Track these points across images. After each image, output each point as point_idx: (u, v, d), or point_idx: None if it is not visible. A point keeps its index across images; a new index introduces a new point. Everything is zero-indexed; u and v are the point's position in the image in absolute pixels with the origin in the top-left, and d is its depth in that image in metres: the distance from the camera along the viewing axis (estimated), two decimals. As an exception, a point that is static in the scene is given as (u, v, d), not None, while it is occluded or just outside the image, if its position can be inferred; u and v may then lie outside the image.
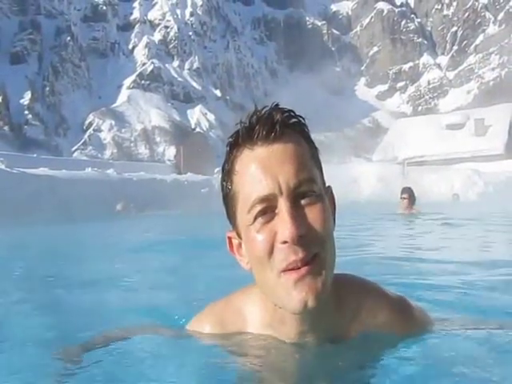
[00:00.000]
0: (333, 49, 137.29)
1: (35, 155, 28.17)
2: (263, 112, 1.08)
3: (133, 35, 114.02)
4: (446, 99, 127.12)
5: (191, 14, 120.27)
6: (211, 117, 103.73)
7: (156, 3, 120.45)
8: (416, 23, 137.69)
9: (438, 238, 5.84)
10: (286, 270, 1.04)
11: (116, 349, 1.38)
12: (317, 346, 1.21)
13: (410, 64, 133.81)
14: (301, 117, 1.12)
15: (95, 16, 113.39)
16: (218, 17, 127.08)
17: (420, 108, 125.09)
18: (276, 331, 1.22)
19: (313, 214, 1.06)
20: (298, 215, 1.03)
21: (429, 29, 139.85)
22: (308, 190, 1.06)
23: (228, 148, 1.14)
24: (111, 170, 16.74)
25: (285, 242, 1.03)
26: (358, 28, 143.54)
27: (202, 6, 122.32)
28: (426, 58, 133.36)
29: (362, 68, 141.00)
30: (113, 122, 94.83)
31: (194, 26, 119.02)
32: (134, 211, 12.60)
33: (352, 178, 20.97)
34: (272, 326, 1.22)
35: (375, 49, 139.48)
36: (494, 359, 1.29)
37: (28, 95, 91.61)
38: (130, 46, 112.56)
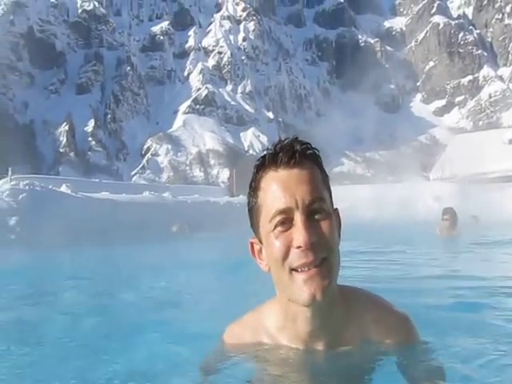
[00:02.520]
0: (387, 66, 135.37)
1: (97, 180, 29.51)
2: (286, 142, 1.32)
3: (188, 62, 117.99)
4: (509, 112, 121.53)
5: (244, 39, 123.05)
6: (264, 139, 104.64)
7: (210, 31, 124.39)
8: (475, 35, 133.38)
9: (475, 263, 5.52)
10: (297, 270, 1.25)
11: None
12: (324, 350, 1.38)
13: (470, 77, 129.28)
14: (316, 149, 1.35)
15: (153, 46, 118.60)
16: (270, 40, 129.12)
17: (481, 123, 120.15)
18: (289, 331, 1.41)
19: (322, 226, 1.26)
20: (310, 226, 1.24)
21: (489, 40, 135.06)
22: (319, 207, 1.27)
23: (255, 169, 1.37)
24: (167, 194, 17.25)
25: (299, 247, 1.23)
26: (413, 43, 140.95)
27: (254, 30, 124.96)
28: (486, 71, 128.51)
29: (418, 84, 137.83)
30: (169, 147, 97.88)
31: (246, 50, 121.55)
32: (188, 233, 12.91)
33: (407, 197, 20.45)
34: (285, 327, 1.40)
35: (431, 64, 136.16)
36: (490, 374, 1.39)
37: (91, 123, 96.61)
38: (186, 73, 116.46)
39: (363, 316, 1.40)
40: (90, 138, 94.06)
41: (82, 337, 2.63)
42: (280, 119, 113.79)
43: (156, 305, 3.57)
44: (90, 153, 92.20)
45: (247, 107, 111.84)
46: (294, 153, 1.29)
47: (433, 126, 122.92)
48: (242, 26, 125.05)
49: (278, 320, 1.42)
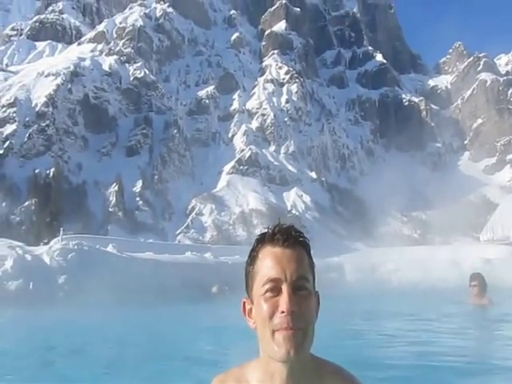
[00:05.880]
0: (432, 124, 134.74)
1: (142, 240, 30.18)
2: (283, 227, 1.61)
3: (232, 124, 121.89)
4: None
5: (287, 101, 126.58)
6: (307, 198, 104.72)
7: (254, 93, 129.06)
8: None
9: (488, 343, 5.08)
10: (278, 330, 1.51)
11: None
12: None
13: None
14: (307, 238, 1.64)
15: (199, 109, 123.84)
16: (313, 101, 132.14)
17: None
18: None
19: (303, 302, 1.53)
20: (294, 298, 1.52)
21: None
22: (302, 285, 1.55)
23: (255, 242, 1.65)
24: (208, 254, 17.43)
25: (282, 312, 1.50)
26: (459, 101, 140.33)
27: (296, 92, 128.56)
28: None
29: (466, 142, 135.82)
30: (213, 206, 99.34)
31: (289, 111, 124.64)
32: (228, 294, 12.88)
33: (455, 260, 19.64)
34: (264, 382, 1.64)
35: (479, 121, 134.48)
36: None
37: (139, 183, 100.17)
38: (230, 135, 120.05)
39: None
40: (137, 198, 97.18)
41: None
42: (323, 179, 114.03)
43: (198, 365, 3.60)
44: (137, 212, 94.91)
45: (290, 167, 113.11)
46: (289, 236, 1.58)
47: (483, 184, 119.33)
48: (285, 89, 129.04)
49: (259, 375, 1.65)
